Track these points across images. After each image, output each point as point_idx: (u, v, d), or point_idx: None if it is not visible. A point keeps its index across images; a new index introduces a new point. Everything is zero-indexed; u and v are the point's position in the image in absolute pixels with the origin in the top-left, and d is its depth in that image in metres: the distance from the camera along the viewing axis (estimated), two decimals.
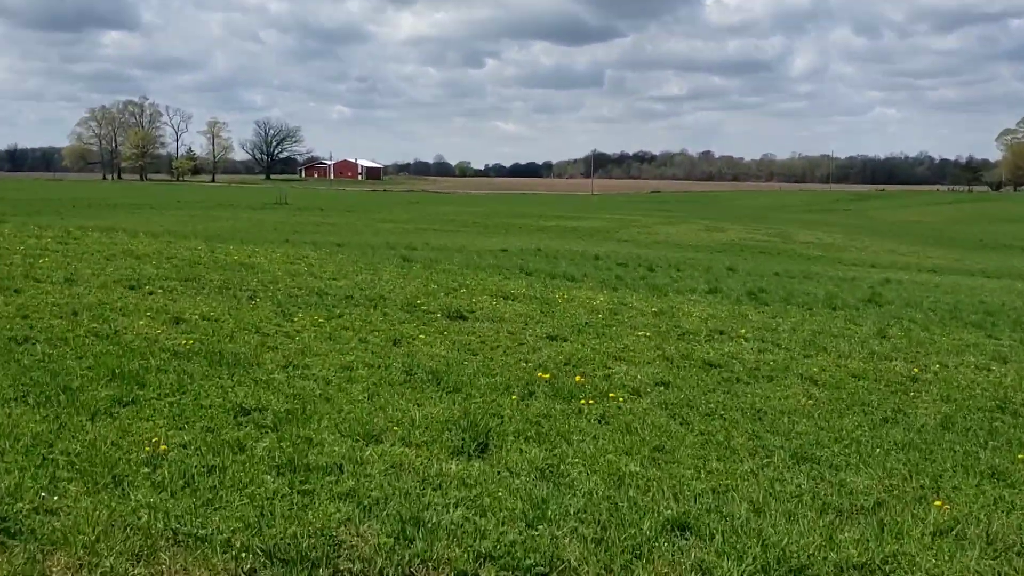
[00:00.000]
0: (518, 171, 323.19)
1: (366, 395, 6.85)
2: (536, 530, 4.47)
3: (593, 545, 4.35)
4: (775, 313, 12.71)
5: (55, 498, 4.52)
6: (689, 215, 70.84)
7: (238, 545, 4.14)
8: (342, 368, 7.63)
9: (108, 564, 3.94)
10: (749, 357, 9.16)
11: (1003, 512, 5.09)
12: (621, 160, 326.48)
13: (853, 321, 12.45)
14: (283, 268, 14.46)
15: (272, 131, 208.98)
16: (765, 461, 5.84)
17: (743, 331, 10.66)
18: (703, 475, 5.45)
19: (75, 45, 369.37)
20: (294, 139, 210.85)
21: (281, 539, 4.20)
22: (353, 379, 7.30)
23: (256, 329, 9.02)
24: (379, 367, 7.77)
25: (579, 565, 4.16)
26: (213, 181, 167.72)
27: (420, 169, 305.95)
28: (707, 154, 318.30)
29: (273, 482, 4.89)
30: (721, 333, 10.51)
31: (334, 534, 4.30)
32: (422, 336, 9.27)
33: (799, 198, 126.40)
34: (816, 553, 4.40)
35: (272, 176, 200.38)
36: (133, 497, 4.58)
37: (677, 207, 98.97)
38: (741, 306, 13.33)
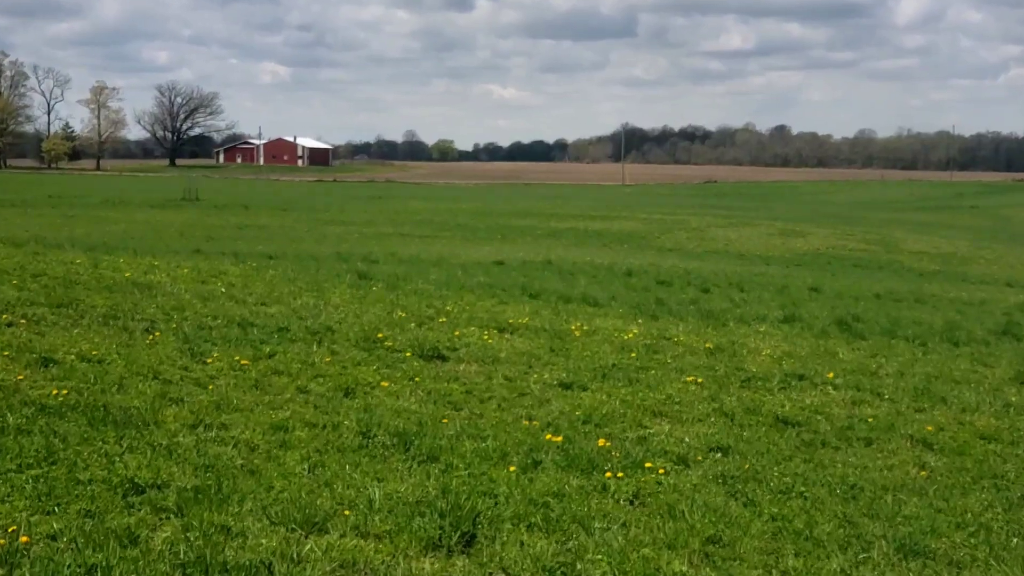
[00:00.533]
0: (520, 153, 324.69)
1: (306, 466, 6.83)
2: None
3: None
4: (875, 350, 12.74)
5: None
6: (756, 214, 71.08)
7: None
8: (273, 428, 7.63)
9: None
10: (839, 412, 9.16)
11: None
12: (663, 138, 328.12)
13: (982, 361, 12.46)
14: (192, 289, 14.49)
15: (180, 100, 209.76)
16: (862, 557, 5.84)
17: (831, 375, 10.67)
18: None
19: None
20: (209, 110, 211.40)
21: None
22: (288, 444, 7.29)
23: (155, 374, 9.03)
24: (324, 427, 7.76)
25: None
26: (99, 168, 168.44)
27: (384, 151, 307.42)
28: (781, 130, 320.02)
29: None
30: (801, 378, 10.52)
31: None
32: (385, 384, 9.27)
33: (907, 191, 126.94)
34: None
35: (179, 162, 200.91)
36: None
37: (740, 203, 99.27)
38: (828, 340, 13.35)
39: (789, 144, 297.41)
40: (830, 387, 10.19)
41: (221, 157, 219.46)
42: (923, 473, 7.53)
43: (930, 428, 8.74)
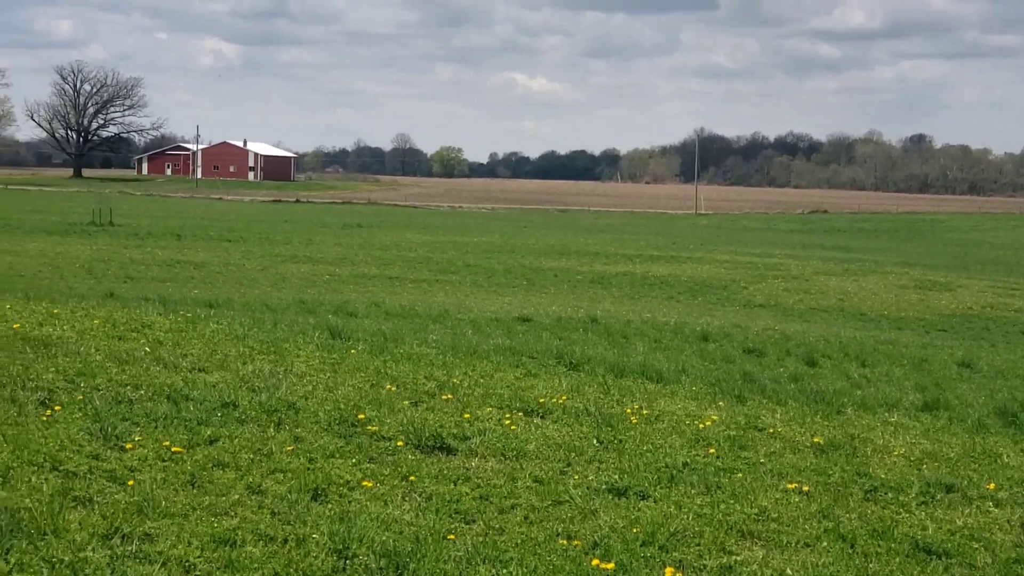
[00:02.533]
0: (555, 169, 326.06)
1: None
2: None
3: None
4: None
5: None
6: (883, 258, 70.99)
7: None
8: (216, 542, 7.63)
9: None
10: (1004, 538, 9.09)
11: None
12: (752, 150, 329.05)
13: None
14: (105, 348, 14.55)
15: (88, 87, 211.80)
16: None
17: (991, 487, 10.60)
18: None
19: None
20: (129, 103, 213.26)
21: None
22: (236, 564, 7.29)
23: (53, 464, 9.06)
24: (286, 542, 7.77)
25: None
26: None
27: (367, 162, 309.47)
28: (919, 142, 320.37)
29: None
30: (949, 490, 10.45)
31: None
32: (368, 484, 9.27)
33: None
34: None
35: (87, 172, 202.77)
36: None
37: (860, 241, 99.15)
38: (986, 437, 13.27)
39: (930, 161, 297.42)
40: (991, 503, 10.11)
41: (145, 167, 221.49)
42: None
43: None
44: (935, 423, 14.07)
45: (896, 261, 67.32)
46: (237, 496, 8.70)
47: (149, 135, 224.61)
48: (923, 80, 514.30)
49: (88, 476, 8.88)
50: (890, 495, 10.15)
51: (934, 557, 8.55)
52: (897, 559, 8.44)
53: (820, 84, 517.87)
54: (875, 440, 12.45)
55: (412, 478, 9.57)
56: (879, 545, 8.70)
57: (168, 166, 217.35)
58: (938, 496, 10.22)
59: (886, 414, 14.48)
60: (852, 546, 8.65)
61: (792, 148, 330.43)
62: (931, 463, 11.52)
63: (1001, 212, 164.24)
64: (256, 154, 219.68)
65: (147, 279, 35.98)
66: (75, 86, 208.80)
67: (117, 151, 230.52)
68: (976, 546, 8.84)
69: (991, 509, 9.92)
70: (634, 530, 8.57)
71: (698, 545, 8.41)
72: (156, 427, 10.48)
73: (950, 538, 8.97)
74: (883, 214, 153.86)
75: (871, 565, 8.26)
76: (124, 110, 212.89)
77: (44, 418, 10.47)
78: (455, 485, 9.49)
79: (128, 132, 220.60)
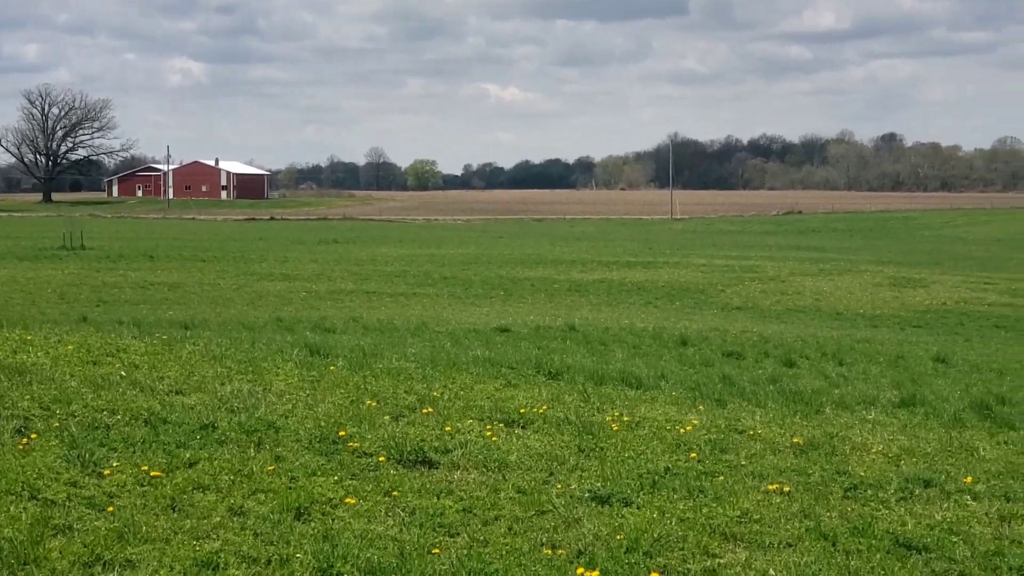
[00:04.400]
0: (529, 178, 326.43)
1: None
2: None
3: None
4: None
5: None
6: (858, 256, 71.22)
7: None
8: (198, 565, 7.63)
9: None
10: (983, 531, 9.13)
11: None
12: (726, 154, 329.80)
13: None
14: (80, 373, 14.51)
15: (56, 111, 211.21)
16: None
17: (969, 480, 10.65)
18: None
19: None
20: (98, 125, 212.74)
21: None
22: None
23: (31, 492, 9.04)
24: (269, 562, 7.77)
25: None
26: None
27: (341, 178, 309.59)
28: (890, 141, 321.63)
29: None
30: (927, 485, 10.50)
31: None
32: (351, 500, 9.27)
33: None
34: None
35: (56, 196, 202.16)
36: None
37: (834, 241, 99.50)
38: (963, 432, 13.34)
39: (901, 160, 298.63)
40: (968, 497, 10.16)
41: (115, 189, 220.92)
42: None
43: None
44: (912, 419, 14.14)
45: (870, 259, 67.58)
46: (219, 518, 8.69)
47: (119, 157, 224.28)
48: (893, 79, 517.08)
49: (67, 504, 8.86)
50: (869, 492, 10.19)
51: (914, 552, 8.59)
52: (878, 555, 8.47)
53: (792, 86, 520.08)
54: (853, 438, 12.50)
55: (395, 493, 9.57)
56: (860, 542, 8.73)
57: (139, 187, 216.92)
58: (916, 492, 10.26)
59: (864, 412, 14.55)
60: (834, 544, 8.68)
61: (765, 150, 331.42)
62: (909, 459, 11.58)
63: (972, 207, 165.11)
64: (228, 173, 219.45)
65: (120, 302, 35.87)
66: (43, 110, 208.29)
67: (87, 174, 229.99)
68: (955, 540, 8.87)
69: (969, 503, 9.97)
70: (618, 537, 8.59)
71: (682, 550, 8.43)
72: (134, 452, 10.46)
73: (929, 532, 9.01)
74: (856, 213, 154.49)
75: (852, 562, 8.29)
76: (93, 132, 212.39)
77: (20, 446, 10.45)
78: (438, 499, 9.49)
79: (98, 155, 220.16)
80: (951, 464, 11.43)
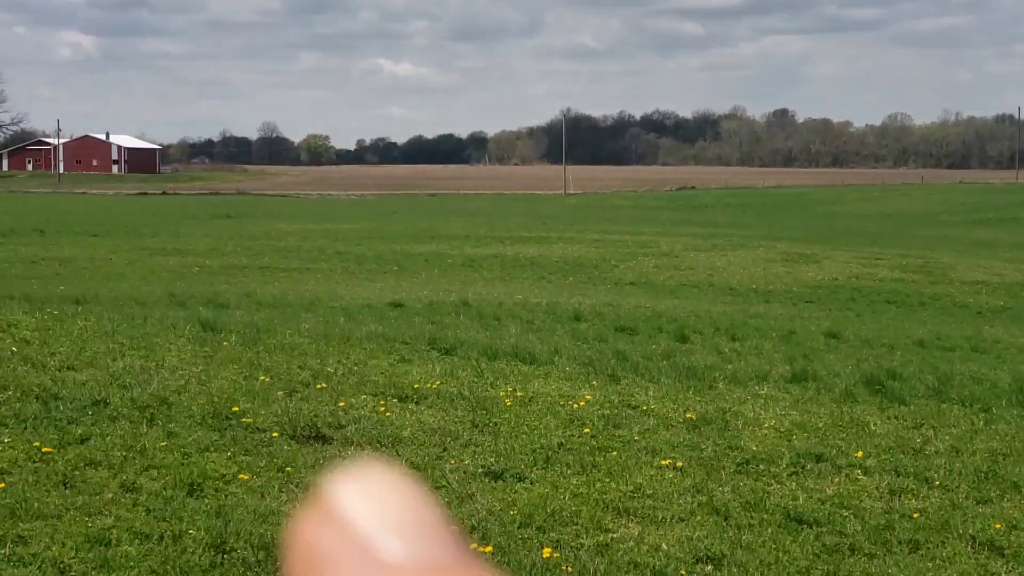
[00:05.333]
0: (422, 153, 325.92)
1: None
2: None
3: None
4: (919, 419, 12.92)
5: None
6: (750, 232, 71.84)
7: None
8: (90, 542, 7.59)
9: None
10: (873, 505, 9.29)
11: None
12: (619, 129, 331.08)
13: None
14: None
15: None
16: None
17: (859, 455, 10.82)
18: None
19: None
20: None
21: None
22: (112, 564, 7.26)
23: None
24: (162, 539, 7.73)
25: None
26: None
27: (234, 152, 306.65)
28: (782, 117, 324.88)
29: None
30: (818, 459, 10.65)
31: None
32: (244, 476, 9.25)
33: (958, 197, 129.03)
34: None
35: None
36: None
37: (727, 216, 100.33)
38: (854, 406, 13.53)
39: (793, 136, 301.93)
40: (859, 471, 10.33)
41: (5, 163, 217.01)
42: None
43: (998, 526, 8.88)
44: (804, 394, 14.31)
45: (763, 235, 68.14)
46: (111, 495, 8.63)
47: (8, 131, 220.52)
48: (785, 55, 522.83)
49: None
50: (761, 467, 10.33)
51: (805, 526, 8.73)
52: (770, 529, 8.60)
53: (684, 61, 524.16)
54: (746, 413, 12.64)
55: (288, 469, 9.56)
56: (752, 516, 8.86)
57: (29, 161, 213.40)
58: (808, 466, 10.42)
59: (756, 387, 14.70)
60: (726, 519, 8.80)
61: (659, 126, 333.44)
62: (800, 434, 11.73)
63: (863, 184, 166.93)
64: (120, 147, 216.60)
65: (10, 277, 35.29)
66: None
67: None
68: (846, 514, 9.03)
69: (860, 477, 10.14)
70: (511, 512, 8.64)
71: (575, 524, 8.50)
72: (26, 428, 10.34)
73: (820, 507, 9.16)
74: (749, 189, 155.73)
75: (744, 536, 8.41)
76: None
77: None
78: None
79: None
80: (842, 439, 11.60)
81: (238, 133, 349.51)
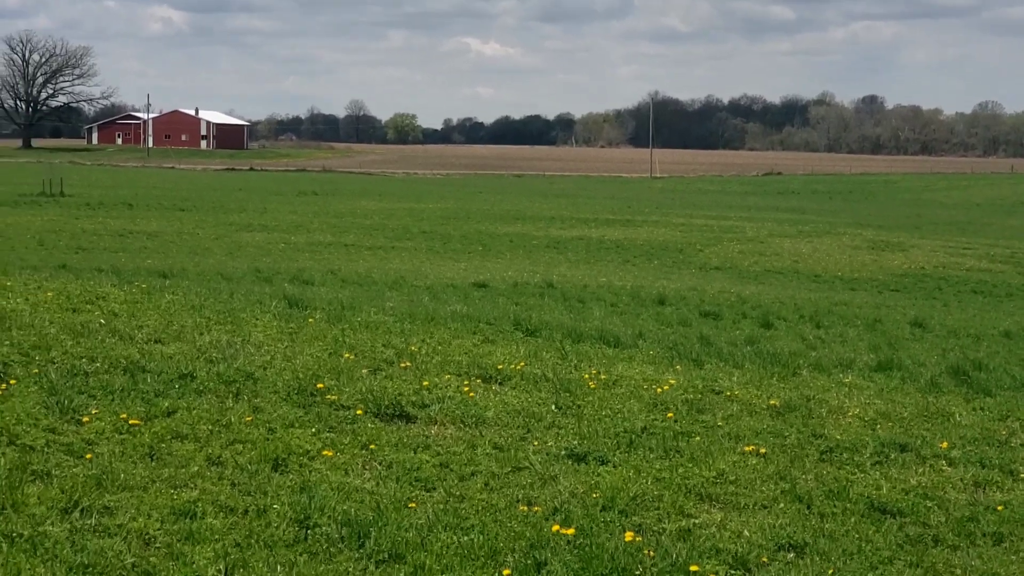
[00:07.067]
0: (509, 134, 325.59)
1: (221, 567, 6.86)
2: None
3: None
4: (1005, 411, 12.76)
5: None
6: (837, 219, 71.32)
7: None
8: (175, 514, 7.65)
9: None
10: (957, 497, 9.18)
11: None
12: (706, 114, 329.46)
13: None
14: (60, 320, 14.47)
15: (37, 57, 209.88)
16: None
17: (944, 446, 10.70)
18: None
19: None
20: (78, 72, 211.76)
21: None
22: (197, 536, 7.31)
23: (10, 438, 9.03)
24: (246, 512, 7.79)
25: None
26: None
27: (321, 130, 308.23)
28: (871, 104, 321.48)
29: None
30: (903, 449, 10.55)
31: None
32: (328, 453, 9.29)
33: None
34: None
35: (36, 142, 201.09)
36: None
37: (814, 203, 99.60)
38: (939, 397, 13.39)
39: (882, 123, 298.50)
40: (944, 462, 10.22)
41: (95, 136, 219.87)
42: None
43: None
44: (889, 383, 14.17)
45: (849, 222, 67.64)
46: (196, 468, 8.70)
47: (99, 104, 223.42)
48: (875, 41, 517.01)
49: (45, 450, 8.86)
50: (845, 456, 10.24)
51: (888, 516, 8.64)
52: (852, 519, 8.52)
53: (773, 46, 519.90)
54: (830, 401, 12.54)
55: (372, 447, 9.59)
56: (835, 505, 8.78)
57: (119, 135, 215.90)
58: (892, 456, 10.31)
59: (841, 375, 14.58)
60: (808, 507, 8.73)
61: (746, 111, 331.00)
62: (885, 423, 11.62)
63: (952, 172, 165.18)
64: (208, 122, 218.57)
65: (99, 250, 35.78)
66: (24, 56, 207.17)
67: (67, 121, 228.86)
68: (930, 505, 8.93)
69: (944, 468, 10.02)
70: (594, 495, 8.62)
71: (657, 509, 8.47)
72: (113, 400, 10.45)
73: (904, 497, 9.06)
74: (836, 175, 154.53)
75: (827, 525, 8.34)
76: (73, 79, 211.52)
77: None
78: (415, 453, 9.52)
79: (78, 102, 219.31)
80: (927, 429, 11.48)
81: (325, 111, 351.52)
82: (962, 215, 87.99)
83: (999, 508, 8.91)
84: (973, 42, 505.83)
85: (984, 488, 9.51)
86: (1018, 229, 70.39)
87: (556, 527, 7.84)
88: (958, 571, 7.62)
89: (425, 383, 12.03)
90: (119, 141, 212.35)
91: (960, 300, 32.87)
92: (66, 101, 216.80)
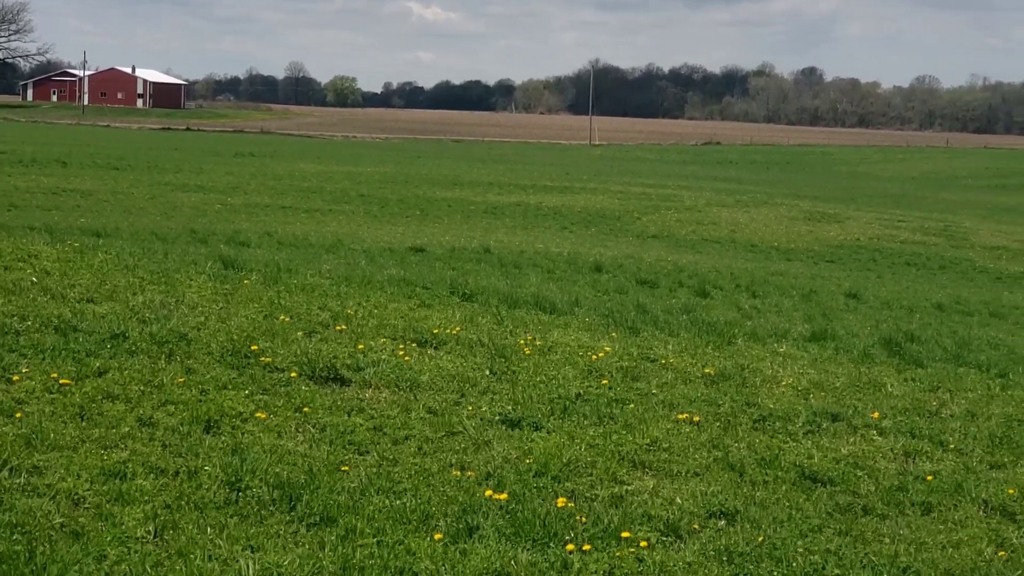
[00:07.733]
0: (449, 99, 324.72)
1: (151, 528, 6.83)
2: None
3: None
4: (936, 382, 12.88)
5: None
6: (774, 189, 71.70)
7: None
8: (105, 475, 7.60)
9: None
10: (887, 466, 9.27)
11: None
12: (646, 82, 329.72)
13: None
14: None
15: None
16: None
17: (875, 416, 10.79)
18: None
19: None
20: (14, 28, 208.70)
21: None
22: (127, 497, 7.27)
23: None
24: (177, 474, 7.75)
25: None
26: None
27: (260, 91, 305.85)
28: (810, 75, 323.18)
29: None
30: (835, 419, 10.63)
31: None
32: (261, 415, 9.26)
33: (982, 162, 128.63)
34: None
35: None
36: None
37: (752, 173, 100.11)
38: (872, 367, 13.49)
39: (820, 95, 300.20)
40: (875, 432, 10.30)
41: (30, 93, 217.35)
42: (1001, 553, 7.64)
43: (1011, 491, 8.84)
44: (822, 353, 14.28)
45: (786, 193, 67.99)
46: (127, 429, 8.65)
47: (34, 61, 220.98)
48: (815, 13, 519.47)
49: None
50: (778, 424, 10.31)
51: (819, 485, 8.72)
52: (784, 487, 8.59)
53: (713, 16, 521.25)
54: (764, 370, 12.62)
55: (306, 409, 9.57)
56: (767, 473, 8.85)
57: (54, 92, 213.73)
58: (824, 425, 10.40)
59: (775, 344, 14.67)
60: (741, 475, 8.79)
61: (686, 80, 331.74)
62: (818, 393, 11.71)
63: (888, 145, 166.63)
64: (145, 81, 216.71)
65: (32, 208, 35.37)
66: None
67: (1, 77, 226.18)
68: (860, 474, 9.01)
69: (875, 438, 10.12)
70: (527, 461, 8.64)
71: (590, 475, 8.49)
72: (44, 359, 10.36)
73: (835, 466, 9.14)
74: (774, 146, 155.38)
75: (758, 493, 8.39)
76: (9, 35, 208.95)
77: None
78: (349, 416, 9.50)
79: (13, 58, 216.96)
80: (859, 399, 11.58)
81: (264, 72, 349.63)
82: (897, 188, 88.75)
83: (928, 478, 9.00)
84: (912, 16, 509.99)
85: (914, 458, 9.60)
86: (952, 203, 71.08)
87: (489, 492, 7.84)
88: (887, 540, 7.68)
89: (360, 346, 12.00)
90: (54, 98, 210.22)
91: (894, 272, 33.19)
92: (1, 57, 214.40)
